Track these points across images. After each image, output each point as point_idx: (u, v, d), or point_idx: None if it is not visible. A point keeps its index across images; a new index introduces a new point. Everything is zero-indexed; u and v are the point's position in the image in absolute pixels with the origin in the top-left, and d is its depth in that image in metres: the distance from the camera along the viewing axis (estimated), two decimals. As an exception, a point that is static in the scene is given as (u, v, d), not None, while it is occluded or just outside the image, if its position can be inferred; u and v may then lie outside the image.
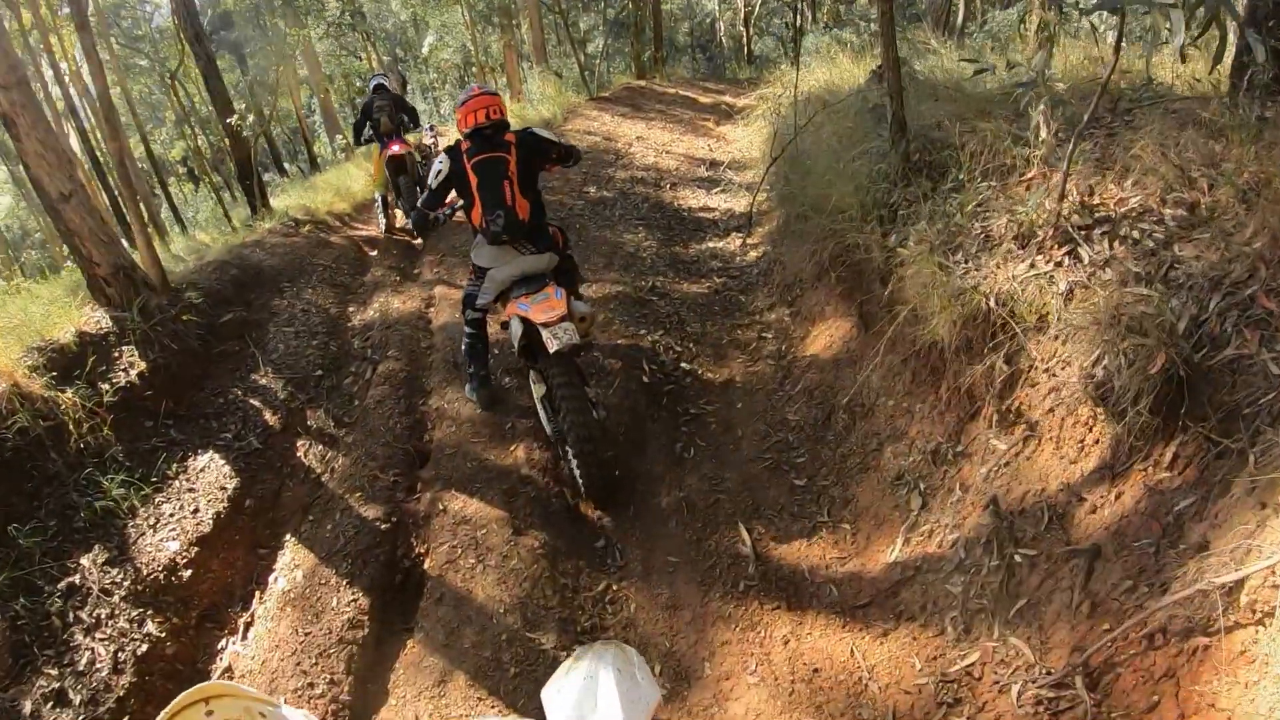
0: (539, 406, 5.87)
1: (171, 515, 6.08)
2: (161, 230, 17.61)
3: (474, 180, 5.35)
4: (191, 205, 29.52)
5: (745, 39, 27.50)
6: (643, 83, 18.89)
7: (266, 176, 29.21)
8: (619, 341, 7.26)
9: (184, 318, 8.00)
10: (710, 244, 9.44)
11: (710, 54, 30.67)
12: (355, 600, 5.22)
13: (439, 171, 5.47)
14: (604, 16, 27.94)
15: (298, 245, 11.46)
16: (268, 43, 14.42)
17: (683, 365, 6.96)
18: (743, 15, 28.16)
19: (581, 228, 10.02)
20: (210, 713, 1.60)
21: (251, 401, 7.57)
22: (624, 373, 6.81)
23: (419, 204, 5.77)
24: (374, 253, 12.04)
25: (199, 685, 1.65)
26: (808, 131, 8.77)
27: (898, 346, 5.47)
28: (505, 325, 5.78)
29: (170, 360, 7.51)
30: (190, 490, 6.39)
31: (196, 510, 6.15)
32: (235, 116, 13.71)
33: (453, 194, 5.64)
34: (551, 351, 5.06)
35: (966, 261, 4.67)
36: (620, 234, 9.79)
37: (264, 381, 7.85)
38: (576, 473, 5.38)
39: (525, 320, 5.24)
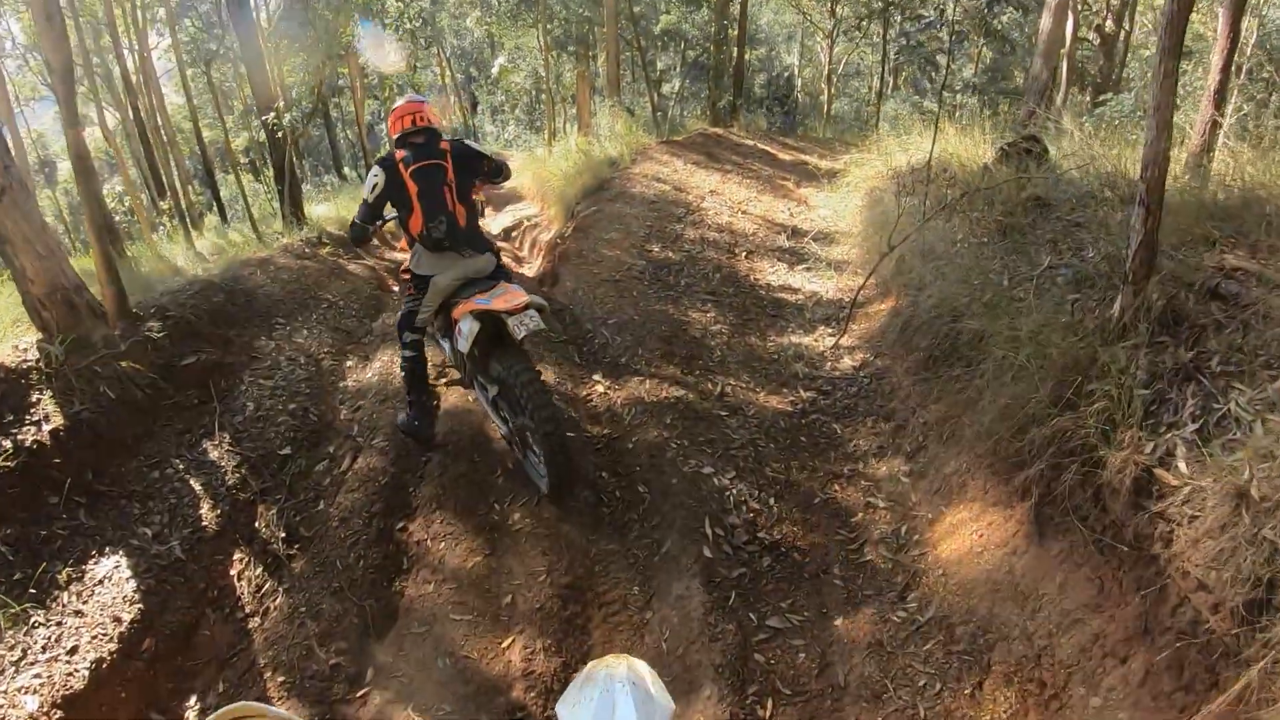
0: (490, 410, 5.46)
1: (44, 650, 4.18)
2: (191, 223, 15.78)
3: (413, 188, 5.06)
4: (245, 196, 27.75)
5: (826, 97, 25.41)
6: (719, 130, 16.81)
7: (325, 178, 27.61)
8: (674, 480, 5.13)
9: (124, 363, 5.96)
10: (794, 338, 7.29)
11: (787, 108, 28.60)
12: None
13: (374, 185, 5.10)
14: (683, 58, 26.16)
15: (308, 270, 9.45)
16: (313, 36, 12.44)
17: (760, 536, 4.78)
18: (825, 73, 26.22)
19: (639, 295, 7.93)
20: None
21: (191, 483, 5.54)
22: (678, 535, 4.68)
23: (356, 218, 5.36)
24: (396, 288, 10.00)
25: (227, 706, 1.50)
26: (930, 218, 6.66)
27: (1116, 596, 3.32)
28: (446, 335, 5.52)
29: (100, 415, 5.59)
30: (78, 613, 4.47)
31: (75, 650, 4.21)
32: (272, 114, 11.79)
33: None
34: (518, 338, 4.80)
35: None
36: (685, 310, 7.67)
37: (215, 454, 5.82)
38: (540, 466, 4.95)
39: (483, 315, 4.89)
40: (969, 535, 4.25)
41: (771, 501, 5.01)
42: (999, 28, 22.08)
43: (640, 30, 23.05)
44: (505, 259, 11.98)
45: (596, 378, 6.72)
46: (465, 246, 5.23)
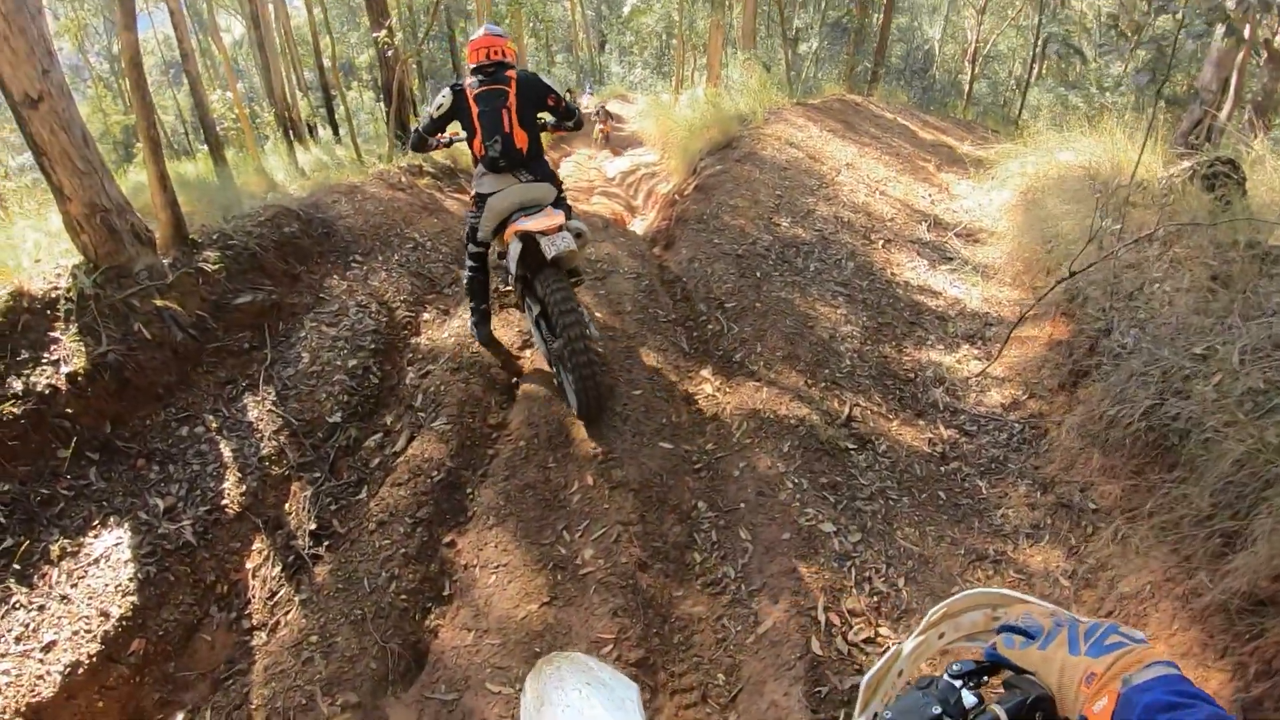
0: (533, 330, 5.53)
1: (17, 640, 3.44)
2: (298, 137, 15.09)
3: (475, 110, 5.25)
4: (373, 113, 27.13)
5: (970, 76, 23.57)
6: (857, 98, 15.34)
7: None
8: (785, 534, 4.03)
9: (166, 298, 5.13)
10: (933, 354, 6.10)
11: (925, 83, 26.81)
12: None
13: (440, 104, 5.34)
14: (823, 17, 24.54)
15: (399, 203, 8.53)
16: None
17: (882, 632, 3.59)
18: (970, 51, 24.33)
19: (763, 277, 6.79)
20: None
21: (221, 447, 4.70)
22: (784, 613, 3.58)
23: (417, 127, 5.65)
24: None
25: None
26: (1127, 246, 5.40)
27: None
28: (502, 255, 5.55)
29: (129, 358, 4.80)
30: (64, 599, 3.67)
31: (51, 647, 3.43)
32: (384, 32, 10.88)
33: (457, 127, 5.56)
34: (549, 257, 4.88)
35: None
36: (813, 301, 6.51)
37: (254, 414, 4.97)
38: (572, 390, 4.93)
39: (524, 236, 5.03)
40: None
41: (901, 583, 3.85)
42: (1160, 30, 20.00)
43: (782, -17, 21.65)
44: (617, 205, 11.13)
45: (705, 374, 5.67)
46: (521, 170, 5.36)
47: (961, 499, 4.56)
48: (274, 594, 3.98)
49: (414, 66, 14.96)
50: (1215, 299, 4.70)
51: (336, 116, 17.97)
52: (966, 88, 23.75)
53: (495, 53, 5.31)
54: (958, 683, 1.18)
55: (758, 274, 6.83)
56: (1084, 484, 4.36)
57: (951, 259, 7.83)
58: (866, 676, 1.36)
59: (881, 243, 8.05)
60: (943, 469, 4.79)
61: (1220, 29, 10.88)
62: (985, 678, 1.21)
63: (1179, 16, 5.74)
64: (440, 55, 29.26)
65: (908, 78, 26.48)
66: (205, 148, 13.48)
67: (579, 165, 15.86)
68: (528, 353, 5.98)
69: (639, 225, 10.74)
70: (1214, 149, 7.47)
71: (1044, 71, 27.56)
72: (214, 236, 5.93)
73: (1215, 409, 3.76)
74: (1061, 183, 7.98)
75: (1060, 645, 1.10)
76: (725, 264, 6.98)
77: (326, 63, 17.48)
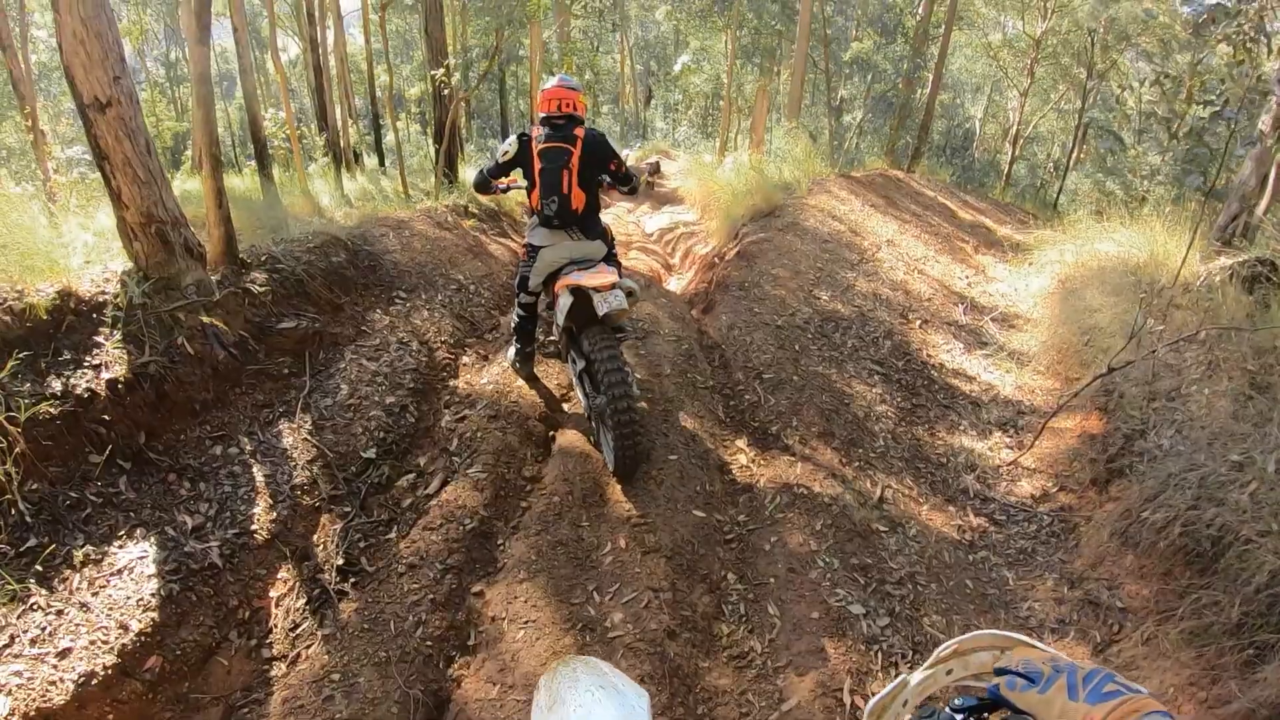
0: (576, 383, 5.54)
1: (33, 643, 3.37)
2: (346, 165, 15.27)
3: (537, 165, 5.34)
4: (418, 146, 27.37)
5: (1010, 157, 23.68)
6: (900, 174, 15.42)
7: (490, 142, 27.12)
8: (814, 613, 4.00)
9: (212, 315, 5.17)
10: (965, 440, 6.08)
11: (965, 161, 26.94)
12: None
13: (506, 151, 5.44)
14: (868, 90, 24.76)
15: (445, 243, 8.60)
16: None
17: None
18: (1011, 132, 24.48)
19: (801, 350, 6.81)
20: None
21: (254, 471, 4.70)
22: (809, 693, 3.53)
23: (483, 168, 5.72)
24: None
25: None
26: (1168, 347, 5.40)
27: None
28: (551, 306, 5.60)
29: (170, 371, 4.82)
30: (84, 606, 3.62)
31: (66, 654, 3.37)
32: (442, 70, 11.07)
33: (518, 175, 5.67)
34: (600, 314, 4.94)
35: None
36: (849, 379, 6.52)
37: (289, 440, 4.98)
38: (610, 448, 4.96)
39: (575, 290, 5.10)
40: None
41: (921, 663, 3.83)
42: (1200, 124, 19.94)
43: (831, 54, 21.94)
44: (655, 263, 11.21)
45: (741, 444, 5.67)
46: (574, 228, 5.51)
47: (989, 589, 4.52)
48: (297, 626, 3.96)
49: (463, 105, 15.19)
50: (1253, 405, 4.69)
51: (384, 146, 18.23)
52: (1005, 168, 23.85)
53: (566, 105, 5.37)
54: (959, 717, 1.20)
55: (796, 346, 6.85)
56: (1112, 582, 4.33)
57: (987, 344, 7.83)
58: (871, 703, 1.38)
59: (919, 322, 8.06)
60: (971, 557, 4.76)
61: (1265, 124, 10.89)
62: (985, 714, 1.22)
63: (1234, 124, 5.80)
64: (489, 96, 29.68)
65: (948, 155, 26.62)
66: (253, 163, 13.63)
67: (618, 219, 15.96)
68: (565, 406, 5.99)
69: (675, 284, 10.79)
70: (1251, 245, 7.47)
71: (1082, 156, 27.62)
72: (262, 258, 5.99)
73: (1251, 518, 3.75)
74: (1101, 274, 8.00)
75: (1059, 690, 1.10)
76: (764, 334, 7.00)
77: (379, 93, 17.73)
